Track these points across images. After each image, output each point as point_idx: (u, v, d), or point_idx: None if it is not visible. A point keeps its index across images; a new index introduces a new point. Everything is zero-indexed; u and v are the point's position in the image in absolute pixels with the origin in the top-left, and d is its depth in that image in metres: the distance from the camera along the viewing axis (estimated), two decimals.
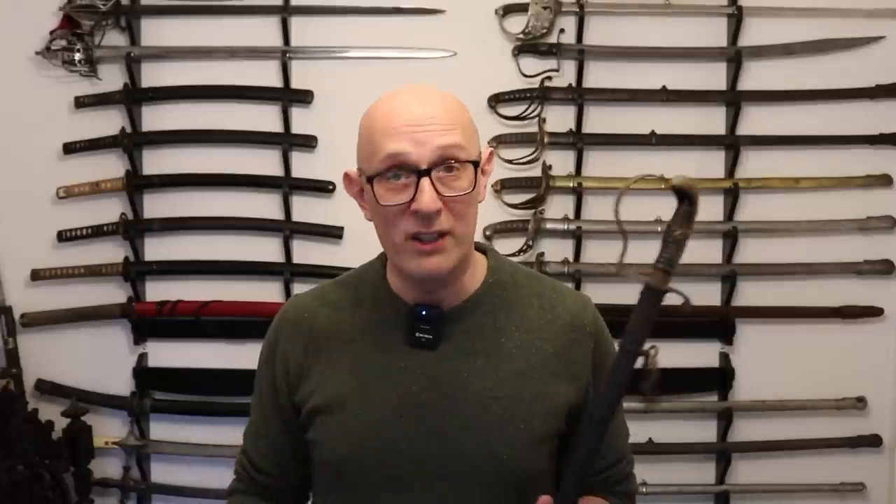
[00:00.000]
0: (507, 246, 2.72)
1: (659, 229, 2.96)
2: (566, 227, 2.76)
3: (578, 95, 2.74)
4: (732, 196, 2.75)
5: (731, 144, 2.76)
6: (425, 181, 1.25)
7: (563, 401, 1.37)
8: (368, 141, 1.31)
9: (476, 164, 1.31)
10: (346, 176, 1.39)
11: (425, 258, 1.29)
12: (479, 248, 1.44)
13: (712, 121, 2.79)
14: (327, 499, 1.44)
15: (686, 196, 1.20)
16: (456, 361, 1.36)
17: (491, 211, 2.75)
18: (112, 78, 2.76)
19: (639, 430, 2.76)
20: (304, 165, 2.79)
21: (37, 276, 2.77)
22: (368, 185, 1.30)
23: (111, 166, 2.78)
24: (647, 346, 1.21)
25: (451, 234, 1.29)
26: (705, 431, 2.83)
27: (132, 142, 2.75)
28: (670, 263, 1.23)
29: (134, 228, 2.77)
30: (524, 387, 1.36)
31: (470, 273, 1.39)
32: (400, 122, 1.28)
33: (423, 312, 1.36)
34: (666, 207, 3.01)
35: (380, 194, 1.28)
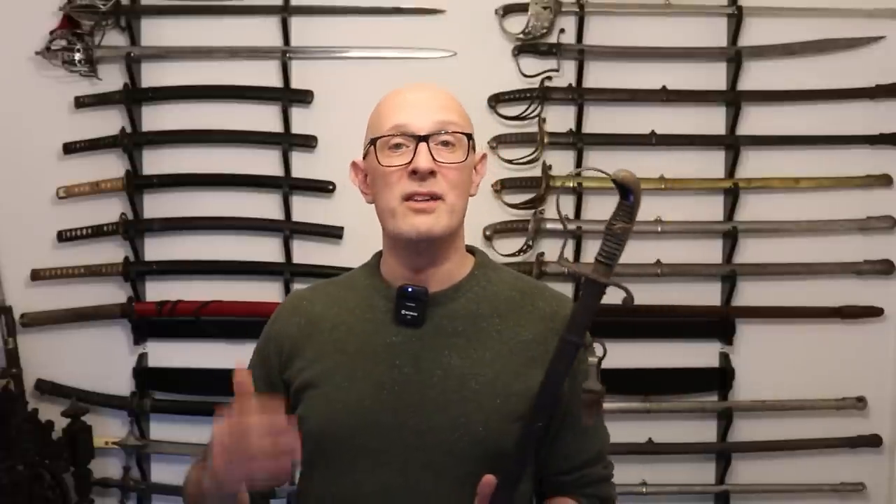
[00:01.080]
0: (507, 246, 2.72)
1: (659, 229, 2.98)
2: (566, 227, 2.76)
3: (578, 95, 2.74)
4: (732, 196, 2.75)
5: (731, 144, 2.76)
6: (423, 145, 1.41)
7: (537, 384, 1.38)
8: (376, 117, 1.48)
9: (470, 136, 1.46)
10: (353, 164, 1.53)
11: (418, 216, 1.41)
12: (470, 249, 1.57)
13: (712, 121, 2.79)
14: (312, 474, 1.50)
15: (628, 190, 1.23)
16: (438, 340, 1.45)
17: (491, 211, 2.75)
18: (112, 78, 2.76)
19: (639, 430, 2.77)
20: (304, 165, 2.79)
21: (37, 276, 2.77)
22: (372, 148, 1.44)
23: (111, 166, 2.78)
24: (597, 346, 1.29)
25: (443, 199, 1.42)
26: (705, 431, 2.83)
27: (132, 142, 2.75)
28: (611, 257, 1.26)
29: (134, 228, 2.77)
30: (503, 367, 1.44)
31: (457, 263, 1.51)
32: (404, 99, 1.47)
33: (410, 290, 1.46)
34: (666, 207, 3.03)
35: (382, 157, 1.43)
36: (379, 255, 1.56)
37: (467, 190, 1.47)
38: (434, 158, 1.41)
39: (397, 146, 1.42)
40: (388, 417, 1.42)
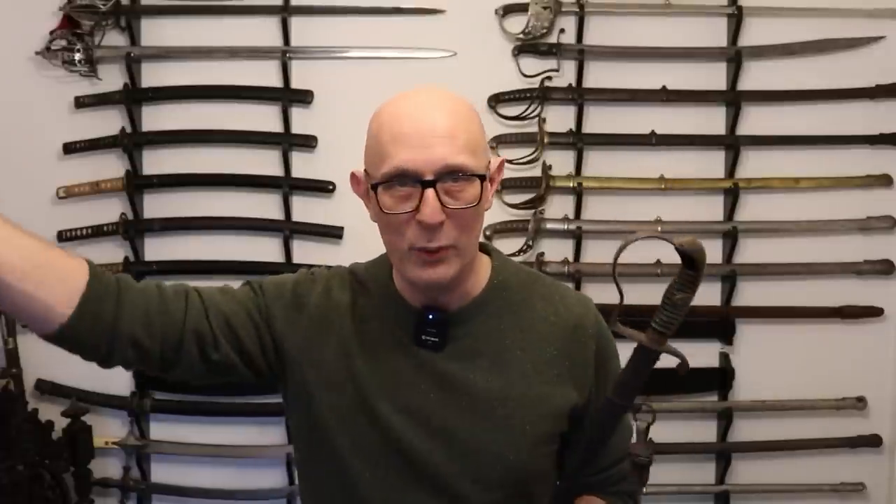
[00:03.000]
0: (507, 246, 2.72)
1: (659, 229, 2.97)
2: (566, 227, 2.76)
3: (578, 95, 2.74)
4: (732, 196, 2.75)
5: (731, 144, 2.76)
6: (429, 192, 1.24)
7: (567, 402, 1.38)
8: (376, 144, 1.29)
9: (483, 177, 1.29)
10: (353, 176, 1.38)
11: (428, 268, 1.29)
12: (483, 248, 1.45)
13: (712, 121, 2.79)
14: (327, 492, 1.41)
15: (692, 260, 1.15)
16: (461, 363, 1.37)
17: (491, 211, 2.71)
18: (112, 78, 2.76)
19: None
20: (304, 165, 2.79)
21: None
22: (373, 193, 1.29)
23: (111, 166, 2.78)
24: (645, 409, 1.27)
25: (455, 246, 1.29)
26: (705, 431, 2.83)
27: (132, 142, 2.75)
28: (667, 326, 1.22)
29: (134, 228, 2.77)
30: (529, 388, 1.37)
31: (474, 275, 1.40)
32: (408, 131, 1.26)
33: (430, 317, 1.36)
34: (666, 207, 3.03)
35: (384, 203, 1.27)
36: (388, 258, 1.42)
37: (481, 220, 1.34)
38: (443, 204, 1.25)
39: (402, 183, 1.26)
40: (418, 444, 1.34)
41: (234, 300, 1.37)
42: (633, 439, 1.25)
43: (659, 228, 2.73)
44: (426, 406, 1.35)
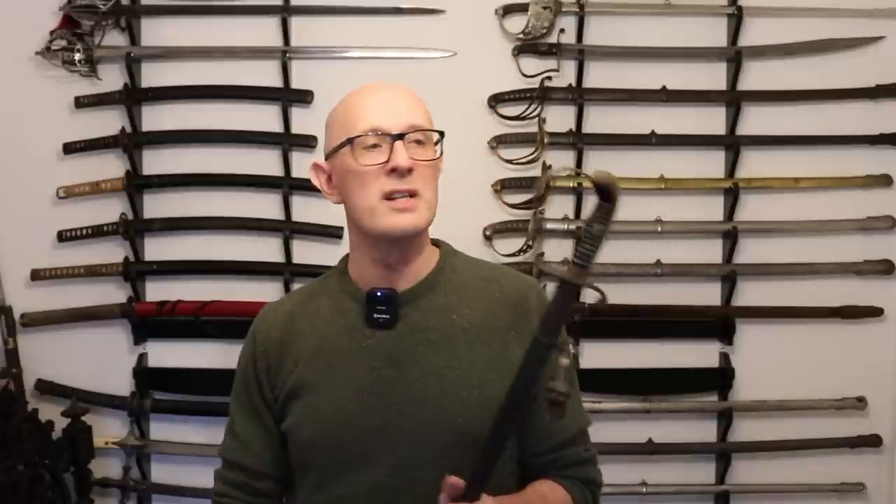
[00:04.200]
0: (507, 246, 2.72)
1: (659, 229, 2.98)
2: (566, 227, 2.76)
3: (578, 95, 2.74)
4: (732, 196, 2.75)
5: (731, 144, 2.76)
6: (399, 143, 1.42)
7: (513, 368, 1.37)
8: (344, 117, 1.48)
9: (442, 133, 1.48)
10: (316, 166, 1.54)
11: (400, 214, 1.43)
12: (435, 242, 1.58)
13: (712, 121, 2.79)
14: (303, 483, 1.52)
15: (606, 192, 1.21)
16: (412, 338, 1.47)
17: (491, 211, 2.75)
18: (112, 78, 2.76)
19: (639, 430, 2.77)
20: (304, 165, 2.77)
21: (37, 276, 2.77)
22: (347, 148, 1.44)
23: (111, 166, 2.78)
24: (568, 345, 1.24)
25: (421, 196, 1.43)
26: (705, 431, 2.83)
27: (132, 142, 2.75)
28: (586, 258, 1.25)
29: (134, 228, 2.77)
30: (476, 356, 1.47)
31: (423, 259, 1.52)
32: (374, 100, 1.47)
33: (379, 294, 1.48)
34: (666, 207, 3.03)
35: (358, 156, 1.44)
36: (346, 258, 1.58)
37: (437, 188, 1.49)
38: (410, 156, 1.42)
39: (373, 146, 1.43)
40: (371, 420, 1.44)
41: (261, 434, 1.55)
42: (555, 377, 1.26)
43: (659, 229, 2.73)
44: (378, 383, 1.45)
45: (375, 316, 1.47)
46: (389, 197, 1.42)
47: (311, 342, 1.51)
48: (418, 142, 1.45)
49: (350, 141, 1.44)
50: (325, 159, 1.52)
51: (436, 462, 1.41)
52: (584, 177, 1.23)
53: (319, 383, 1.48)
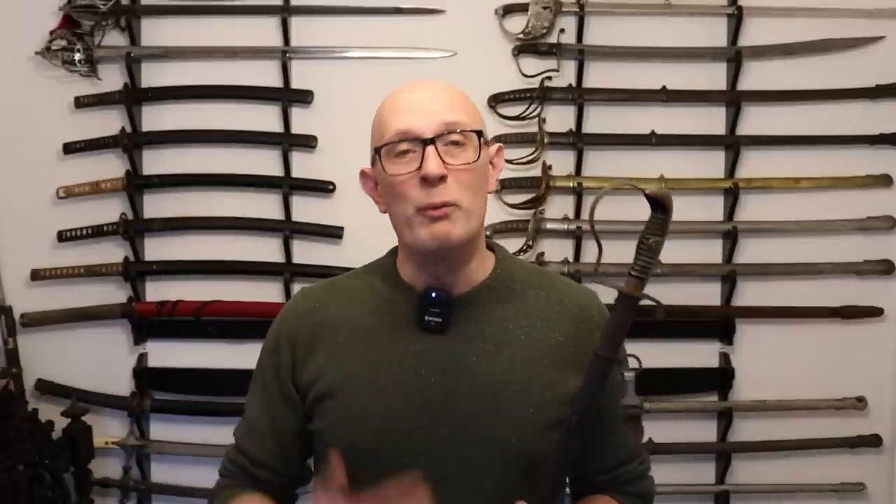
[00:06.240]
0: (507, 246, 2.70)
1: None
2: (566, 227, 2.76)
3: (578, 95, 2.74)
4: (732, 196, 2.75)
5: (731, 144, 2.76)
6: (430, 149, 1.32)
7: (572, 389, 1.36)
8: (378, 123, 1.39)
9: (480, 133, 1.36)
10: (362, 173, 1.45)
11: (434, 224, 1.32)
12: (489, 245, 1.49)
13: (712, 121, 2.79)
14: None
15: (660, 204, 1.21)
16: (465, 346, 1.38)
17: (491, 211, 2.73)
18: (112, 78, 2.76)
19: None
20: (304, 165, 2.79)
21: (37, 276, 2.77)
22: (377, 157, 1.36)
23: (111, 166, 2.78)
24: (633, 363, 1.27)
25: (458, 205, 1.33)
26: (705, 431, 2.83)
27: (132, 142, 2.75)
28: (644, 271, 1.25)
29: (134, 228, 2.77)
30: (533, 373, 1.38)
31: (478, 263, 1.43)
32: (405, 102, 1.37)
33: (434, 295, 1.38)
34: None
35: (388, 165, 1.35)
36: (394, 252, 1.48)
37: (484, 189, 1.39)
38: (444, 162, 1.32)
39: (403, 153, 1.33)
40: (419, 431, 1.35)
41: (270, 425, 1.48)
42: (623, 392, 1.27)
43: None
44: (427, 392, 1.36)
45: (427, 318, 1.38)
46: (424, 209, 1.32)
47: (351, 339, 1.41)
48: (456, 143, 1.34)
49: (378, 150, 1.36)
50: (371, 166, 1.43)
51: (486, 482, 1.34)
52: (639, 190, 1.22)
53: (360, 385, 1.38)
